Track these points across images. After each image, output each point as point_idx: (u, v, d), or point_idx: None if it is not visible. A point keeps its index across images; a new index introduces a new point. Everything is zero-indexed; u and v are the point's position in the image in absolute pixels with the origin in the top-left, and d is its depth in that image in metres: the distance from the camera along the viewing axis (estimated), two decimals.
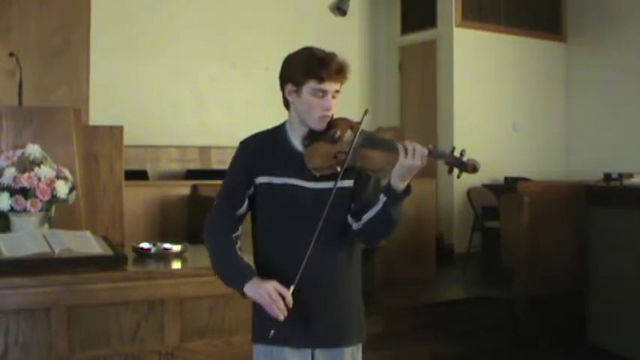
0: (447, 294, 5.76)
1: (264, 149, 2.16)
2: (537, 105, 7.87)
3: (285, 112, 2.21)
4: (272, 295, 1.98)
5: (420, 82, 7.87)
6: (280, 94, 2.17)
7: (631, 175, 5.41)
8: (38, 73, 4.94)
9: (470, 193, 6.96)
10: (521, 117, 7.74)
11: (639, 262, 4.63)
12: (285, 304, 1.98)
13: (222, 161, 6.82)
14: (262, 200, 2.15)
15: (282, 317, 1.98)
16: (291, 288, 1.99)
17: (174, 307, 2.84)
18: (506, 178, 7.17)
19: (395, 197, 2.03)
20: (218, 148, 6.91)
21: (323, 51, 2.11)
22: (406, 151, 1.96)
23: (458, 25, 7.37)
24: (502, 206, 5.82)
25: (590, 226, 5.08)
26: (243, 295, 2.06)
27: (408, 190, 2.04)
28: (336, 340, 2.16)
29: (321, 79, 2.06)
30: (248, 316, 2.22)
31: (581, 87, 7.97)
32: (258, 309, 2.18)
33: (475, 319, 4.99)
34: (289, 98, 2.13)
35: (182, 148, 6.93)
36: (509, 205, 5.63)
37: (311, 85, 2.07)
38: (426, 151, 1.97)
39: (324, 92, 2.07)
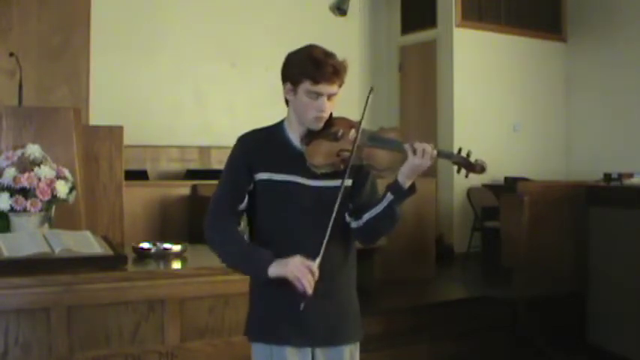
0: (447, 294, 5.75)
1: (263, 145, 2.15)
2: (537, 105, 7.87)
3: (285, 111, 2.20)
4: (301, 270, 1.97)
5: (420, 82, 7.87)
6: (282, 92, 2.16)
7: (631, 175, 5.41)
8: (38, 73, 4.95)
9: (470, 193, 6.96)
10: (522, 117, 7.74)
11: (639, 262, 4.63)
12: (312, 277, 1.97)
13: (222, 161, 6.71)
14: (262, 197, 2.13)
15: (310, 291, 1.97)
16: (317, 261, 1.99)
17: (174, 307, 2.84)
18: (506, 178, 7.16)
19: (401, 195, 2.06)
20: (218, 148, 6.91)
21: (323, 51, 2.07)
22: (415, 151, 2.00)
23: (458, 25, 7.37)
24: (502, 206, 5.82)
25: (590, 226, 5.08)
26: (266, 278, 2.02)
27: (413, 188, 2.07)
28: (336, 337, 2.15)
29: (315, 81, 2.04)
30: None
31: (581, 87, 7.96)
32: (255, 306, 2.18)
33: (475, 319, 4.98)
34: (287, 97, 2.13)
35: (182, 148, 6.93)
36: (509, 205, 5.63)
37: (305, 86, 2.05)
38: (435, 153, 2.01)
39: (318, 94, 2.05)
